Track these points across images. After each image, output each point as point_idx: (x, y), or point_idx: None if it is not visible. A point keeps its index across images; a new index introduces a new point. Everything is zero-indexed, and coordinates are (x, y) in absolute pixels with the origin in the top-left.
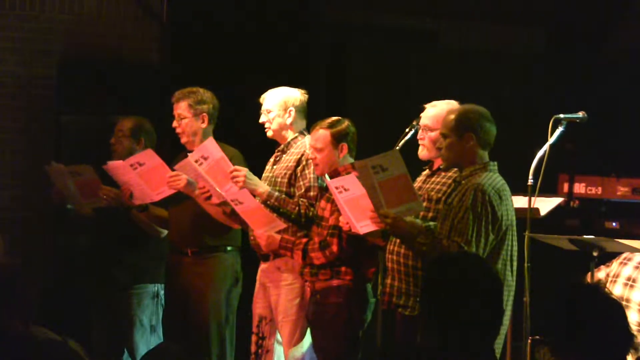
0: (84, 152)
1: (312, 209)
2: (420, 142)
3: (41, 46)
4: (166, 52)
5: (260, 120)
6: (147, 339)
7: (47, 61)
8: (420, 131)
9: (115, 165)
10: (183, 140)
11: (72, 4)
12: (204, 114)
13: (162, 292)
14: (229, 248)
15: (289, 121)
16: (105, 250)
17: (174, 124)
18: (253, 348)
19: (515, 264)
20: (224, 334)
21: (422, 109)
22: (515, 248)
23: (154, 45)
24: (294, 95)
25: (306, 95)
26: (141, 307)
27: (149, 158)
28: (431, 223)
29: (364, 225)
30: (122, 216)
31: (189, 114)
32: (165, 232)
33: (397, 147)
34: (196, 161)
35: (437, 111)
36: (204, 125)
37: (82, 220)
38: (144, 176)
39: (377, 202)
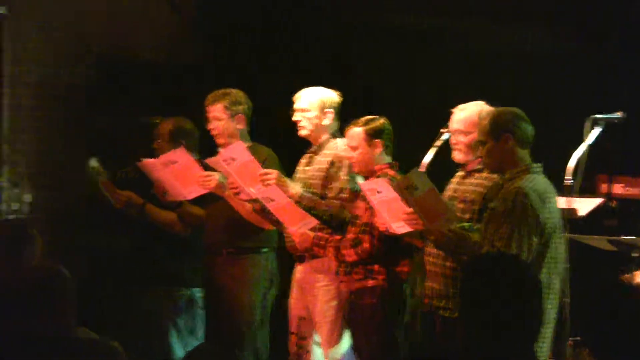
0: (119, 152)
1: (343, 210)
2: (454, 146)
3: (75, 47)
4: (199, 51)
5: (294, 119)
6: (183, 343)
7: (81, 62)
8: (451, 136)
9: (148, 163)
10: (220, 141)
11: (104, 5)
12: (240, 114)
13: (197, 296)
14: (264, 249)
15: (325, 122)
16: (142, 253)
17: (210, 126)
18: (293, 349)
19: (561, 266)
20: (257, 335)
21: (450, 114)
22: (561, 251)
23: (187, 45)
24: (331, 97)
25: (341, 97)
26: (176, 311)
27: (181, 156)
28: (465, 224)
29: (399, 226)
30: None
31: (224, 116)
32: (189, 230)
33: (435, 147)
34: (224, 161)
35: (467, 114)
36: (240, 127)
37: (126, 221)
38: (176, 174)
39: (420, 219)
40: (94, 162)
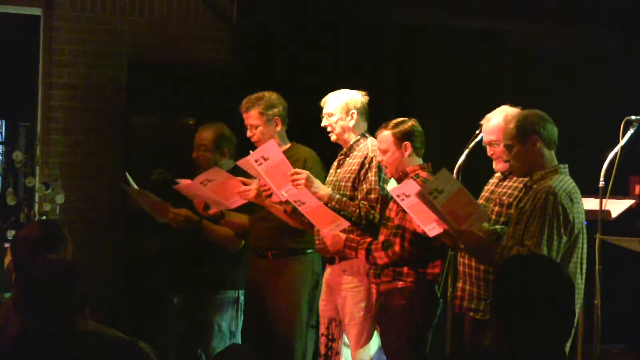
0: (153, 154)
1: (372, 211)
2: (492, 157)
3: (111, 48)
4: (235, 53)
5: (322, 124)
6: (225, 345)
7: (117, 63)
8: (487, 148)
9: (185, 185)
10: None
11: (141, 7)
12: (276, 117)
13: (242, 298)
14: (309, 250)
15: (351, 124)
16: (185, 255)
17: (248, 133)
18: (322, 350)
19: (585, 266)
20: (307, 335)
21: (480, 126)
22: (585, 251)
23: (223, 46)
24: (355, 98)
25: (367, 97)
26: (221, 313)
27: (216, 175)
28: (497, 227)
29: (431, 228)
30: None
31: (261, 122)
32: (242, 243)
33: (467, 149)
34: (256, 161)
35: (496, 122)
36: (278, 129)
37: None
38: (215, 190)
39: (446, 223)
40: (132, 184)
